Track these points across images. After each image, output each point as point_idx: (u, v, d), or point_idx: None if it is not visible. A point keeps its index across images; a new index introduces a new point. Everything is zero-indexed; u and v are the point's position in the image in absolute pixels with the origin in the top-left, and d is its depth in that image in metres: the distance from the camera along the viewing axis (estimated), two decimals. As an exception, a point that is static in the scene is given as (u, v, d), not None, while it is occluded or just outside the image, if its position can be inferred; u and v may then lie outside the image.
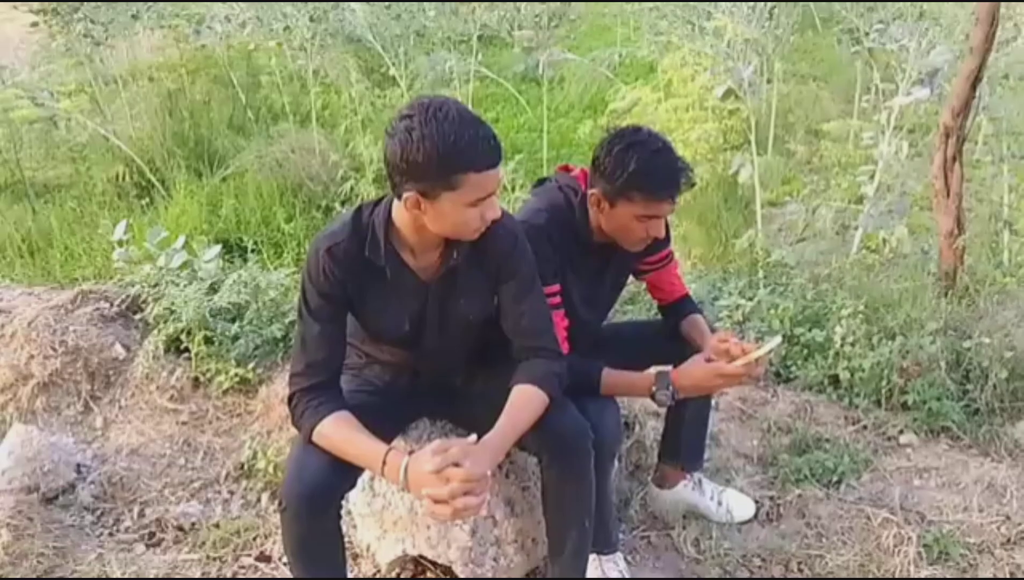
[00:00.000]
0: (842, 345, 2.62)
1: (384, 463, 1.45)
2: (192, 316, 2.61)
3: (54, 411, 2.63)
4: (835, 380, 2.65)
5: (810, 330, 2.73)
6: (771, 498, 2.22)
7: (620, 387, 1.82)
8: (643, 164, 1.71)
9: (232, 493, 2.39)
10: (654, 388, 1.76)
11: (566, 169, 1.92)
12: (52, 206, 5.60)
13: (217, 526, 2.22)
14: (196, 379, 2.73)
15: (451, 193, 1.43)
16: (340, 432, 1.52)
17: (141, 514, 2.31)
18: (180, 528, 2.24)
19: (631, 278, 2.10)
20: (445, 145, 1.38)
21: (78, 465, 2.44)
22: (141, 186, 6.03)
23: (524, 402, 1.59)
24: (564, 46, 7.37)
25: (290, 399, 1.61)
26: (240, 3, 6.62)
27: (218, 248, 3.20)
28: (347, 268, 1.55)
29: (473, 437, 1.48)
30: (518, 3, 6.10)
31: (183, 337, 2.75)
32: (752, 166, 3.62)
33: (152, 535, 2.23)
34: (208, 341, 2.73)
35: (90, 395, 2.68)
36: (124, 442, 2.54)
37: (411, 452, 1.46)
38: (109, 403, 2.68)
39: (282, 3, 6.41)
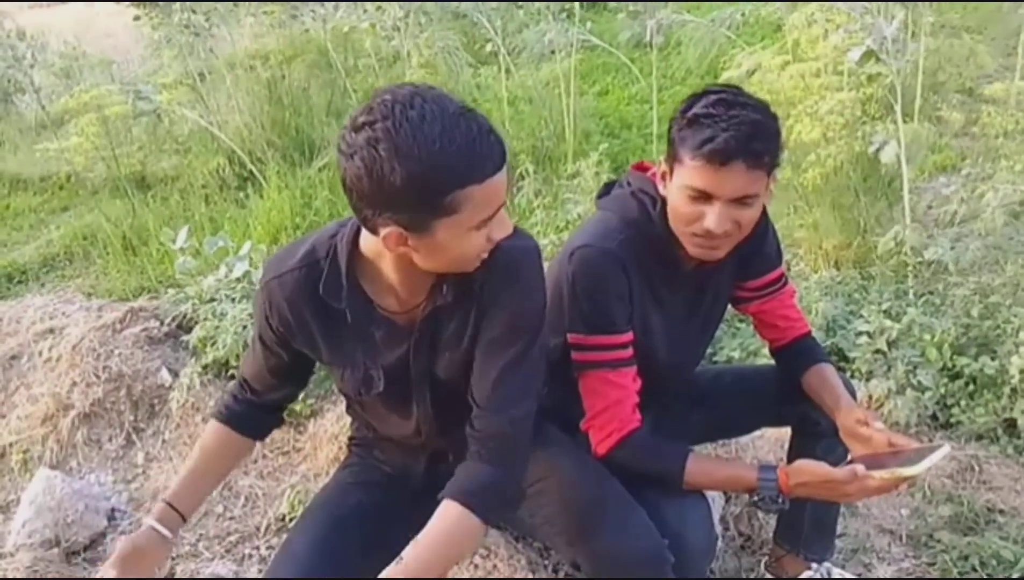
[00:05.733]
0: (1020, 380, 2.03)
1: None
2: (231, 343, 2.32)
3: (95, 445, 2.43)
4: (1011, 427, 2.07)
5: (977, 358, 2.14)
6: (926, 597, 1.71)
7: (710, 482, 1.35)
8: (704, 111, 1.22)
9: (271, 549, 2.09)
10: (755, 497, 1.28)
11: (641, 168, 1.45)
12: (155, 201, 5.60)
13: (247, 593, 1.93)
14: (244, 409, 2.46)
15: (448, 219, 1.03)
16: (203, 439, 1.38)
17: (171, 572, 2.05)
18: (208, 594, 1.97)
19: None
20: (430, 156, 0.97)
21: (112, 510, 2.22)
22: (243, 178, 5.96)
23: (448, 531, 1.14)
24: (680, 7, 6.73)
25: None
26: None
27: (278, 256, 2.92)
28: (293, 310, 1.19)
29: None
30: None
31: (233, 361, 2.49)
32: (898, 144, 2.98)
33: (179, 600, 1.98)
34: (257, 366, 2.45)
35: (133, 427, 2.46)
36: (162, 483, 2.30)
37: None
38: (152, 436, 2.46)
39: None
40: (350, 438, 1.49)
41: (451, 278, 1.17)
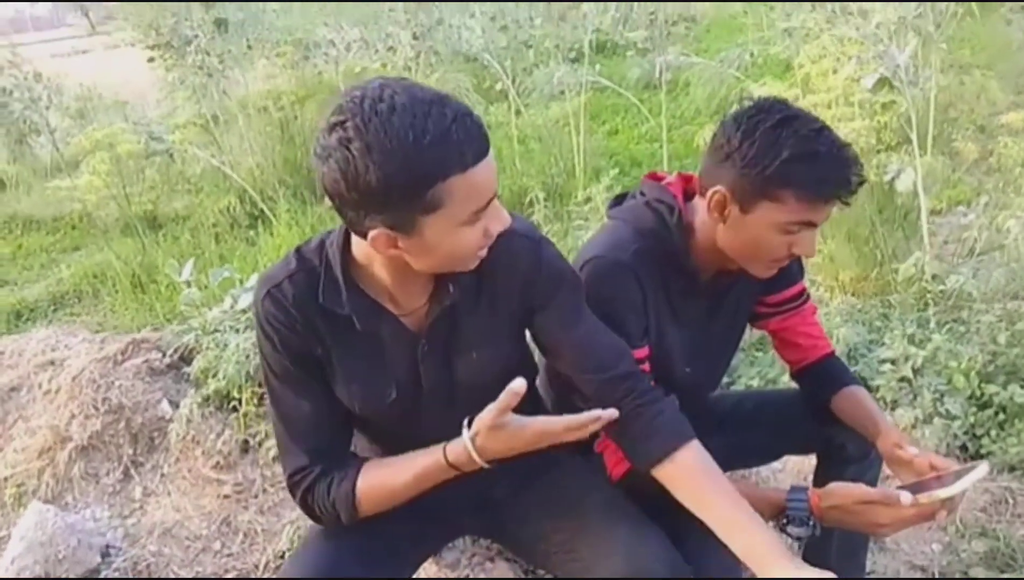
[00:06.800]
0: (1054, 408, 1.94)
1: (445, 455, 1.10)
2: (232, 373, 2.26)
3: (92, 479, 2.35)
4: (1046, 458, 1.97)
5: (1006, 387, 2.05)
6: (963, 638, 1.60)
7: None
8: (803, 146, 1.17)
9: (269, 588, 2.01)
10: (784, 520, 1.20)
11: (655, 177, 1.40)
12: (166, 240, 5.61)
13: (244, 635, 1.84)
14: (245, 442, 2.38)
15: (434, 215, 0.97)
16: (382, 473, 1.15)
17: (166, 610, 1.97)
18: (203, 635, 1.88)
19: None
20: (403, 149, 0.92)
21: (107, 546, 2.14)
22: (253, 217, 5.97)
23: (703, 471, 1.14)
24: (687, 48, 6.78)
25: (304, 502, 1.18)
26: (345, 25, 6.46)
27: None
28: (299, 315, 1.11)
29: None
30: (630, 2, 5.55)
31: (234, 393, 2.42)
32: (915, 171, 2.93)
33: (171, 642, 1.89)
34: (260, 399, 2.39)
35: (131, 460, 2.39)
36: (159, 519, 2.22)
37: None
38: (151, 470, 2.38)
39: (386, 23, 6.19)
40: (352, 461, 1.41)
41: (454, 276, 1.12)
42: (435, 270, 1.09)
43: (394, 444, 1.27)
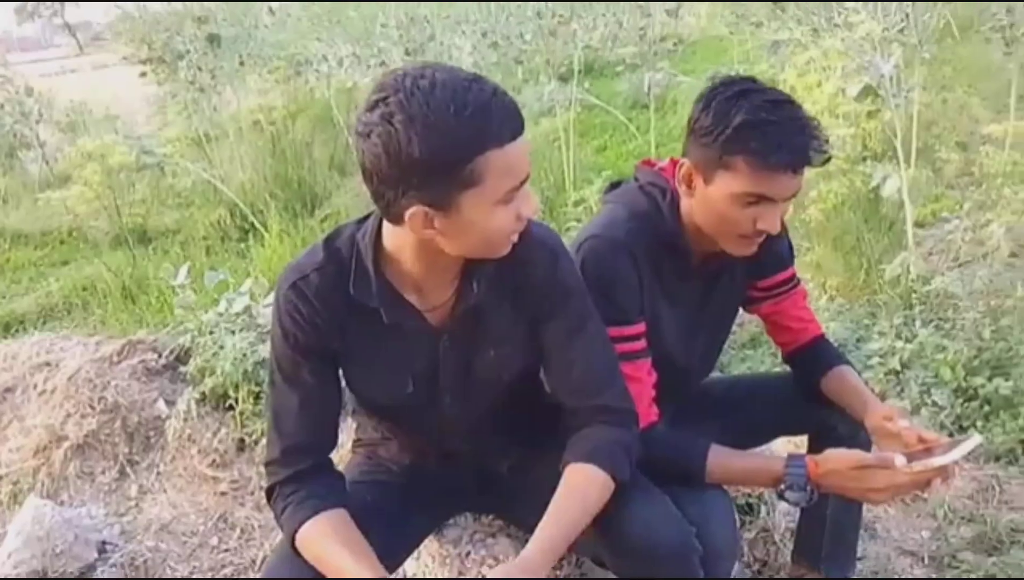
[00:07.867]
0: (1038, 401, 1.99)
1: None
2: (230, 370, 2.28)
3: (87, 477, 2.36)
4: (1031, 447, 2.01)
5: (991, 379, 2.10)
6: (953, 618, 1.63)
7: (734, 474, 1.30)
8: (755, 114, 1.19)
9: (267, 582, 2.01)
10: (783, 486, 1.23)
11: (648, 164, 1.43)
12: (156, 253, 5.60)
13: (241, 628, 1.85)
14: (241, 441, 2.39)
15: (472, 191, 0.99)
16: (324, 542, 1.10)
17: (163, 605, 1.97)
18: (200, 629, 1.89)
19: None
20: (445, 122, 0.94)
21: (103, 542, 2.14)
22: (244, 230, 5.98)
23: (578, 489, 1.12)
24: (675, 68, 6.87)
25: (269, 494, 1.19)
26: (338, 41, 6.51)
27: (279, 291, 2.89)
28: (323, 308, 1.12)
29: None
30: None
31: (231, 392, 2.44)
32: (900, 178, 2.99)
33: (168, 635, 1.89)
34: (256, 397, 2.40)
35: (127, 459, 2.39)
36: (156, 516, 2.22)
37: None
38: (147, 468, 2.39)
39: (378, 39, 6.26)
40: (355, 441, 1.43)
41: (480, 272, 1.14)
42: (467, 254, 1.10)
43: (410, 434, 1.30)
